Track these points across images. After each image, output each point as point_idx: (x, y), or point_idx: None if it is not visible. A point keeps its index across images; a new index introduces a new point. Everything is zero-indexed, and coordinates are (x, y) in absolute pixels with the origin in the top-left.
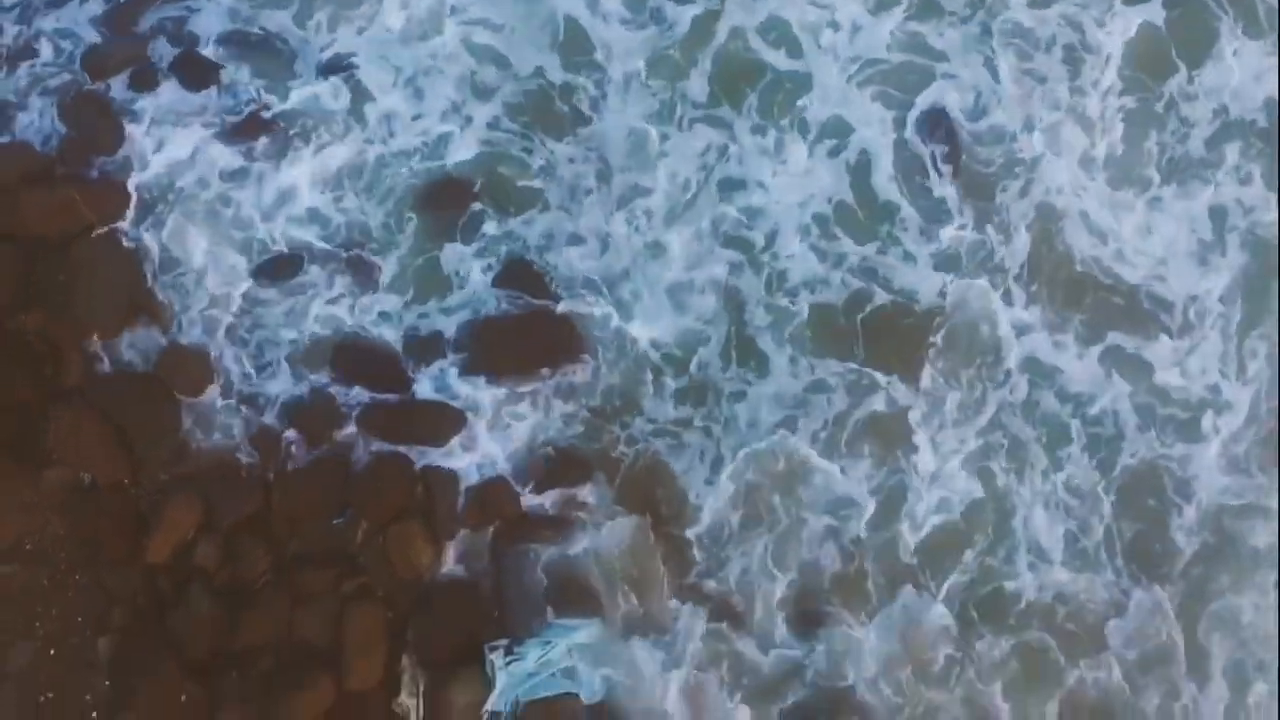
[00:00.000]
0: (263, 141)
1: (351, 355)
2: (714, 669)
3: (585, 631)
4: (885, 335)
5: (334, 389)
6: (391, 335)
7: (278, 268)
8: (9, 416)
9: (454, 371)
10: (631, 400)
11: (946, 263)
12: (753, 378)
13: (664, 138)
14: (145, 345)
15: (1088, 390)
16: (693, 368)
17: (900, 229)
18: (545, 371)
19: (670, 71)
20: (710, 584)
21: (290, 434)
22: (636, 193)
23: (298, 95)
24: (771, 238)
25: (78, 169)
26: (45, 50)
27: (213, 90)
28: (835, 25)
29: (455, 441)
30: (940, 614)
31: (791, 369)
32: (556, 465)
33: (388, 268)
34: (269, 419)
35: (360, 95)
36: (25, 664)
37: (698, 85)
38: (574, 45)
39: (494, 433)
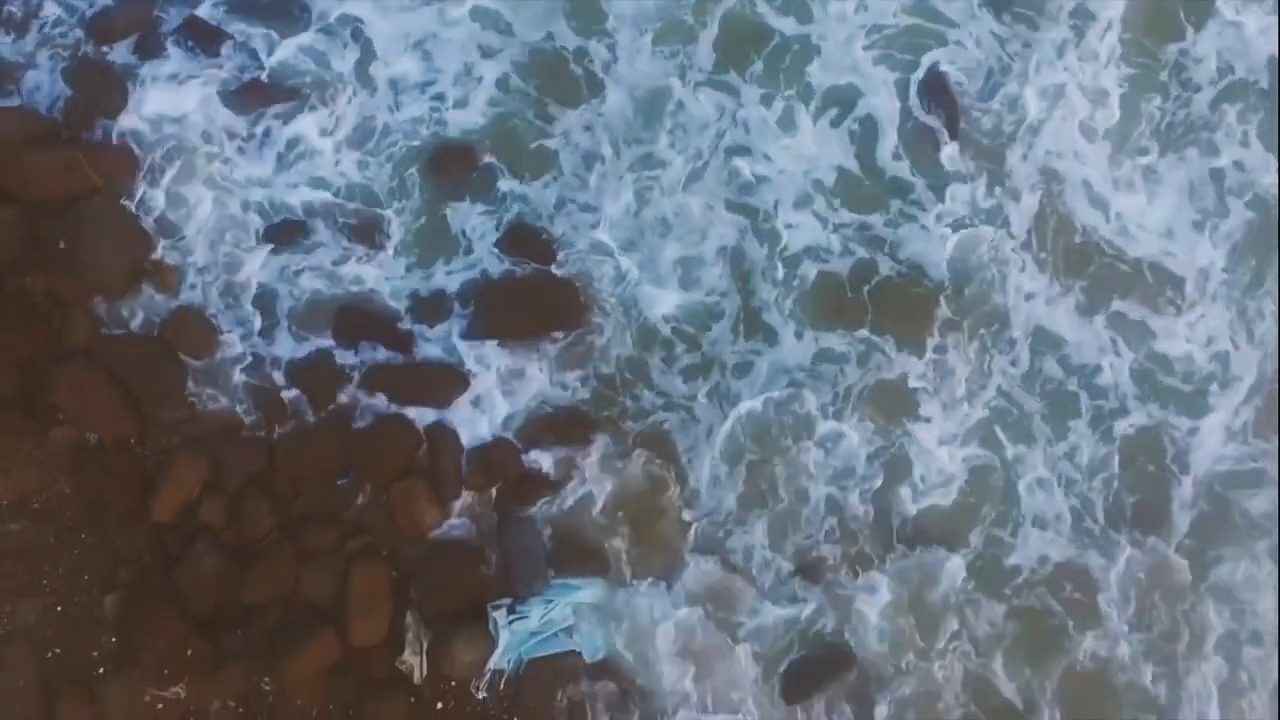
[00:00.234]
0: (269, 105)
1: (356, 317)
2: (716, 627)
3: (588, 591)
4: (891, 304)
5: (338, 350)
6: (397, 297)
7: (283, 230)
8: (16, 376)
9: (458, 334)
10: (636, 366)
11: (952, 230)
12: (760, 346)
13: (674, 106)
14: (151, 307)
15: (1092, 360)
16: (698, 335)
17: (906, 197)
18: (549, 335)
19: (681, 36)
20: (713, 544)
21: (295, 395)
22: (645, 161)
23: (305, 59)
24: (777, 207)
25: (83, 132)
26: (51, 14)
27: (219, 54)
28: None
29: (459, 403)
30: (941, 582)
31: (797, 338)
32: (560, 427)
33: (394, 230)
34: (274, 380)
35: (368, 58)
36: (33, 621)
37: (705, 51)
38: (584, 9)
39: (498, 395)
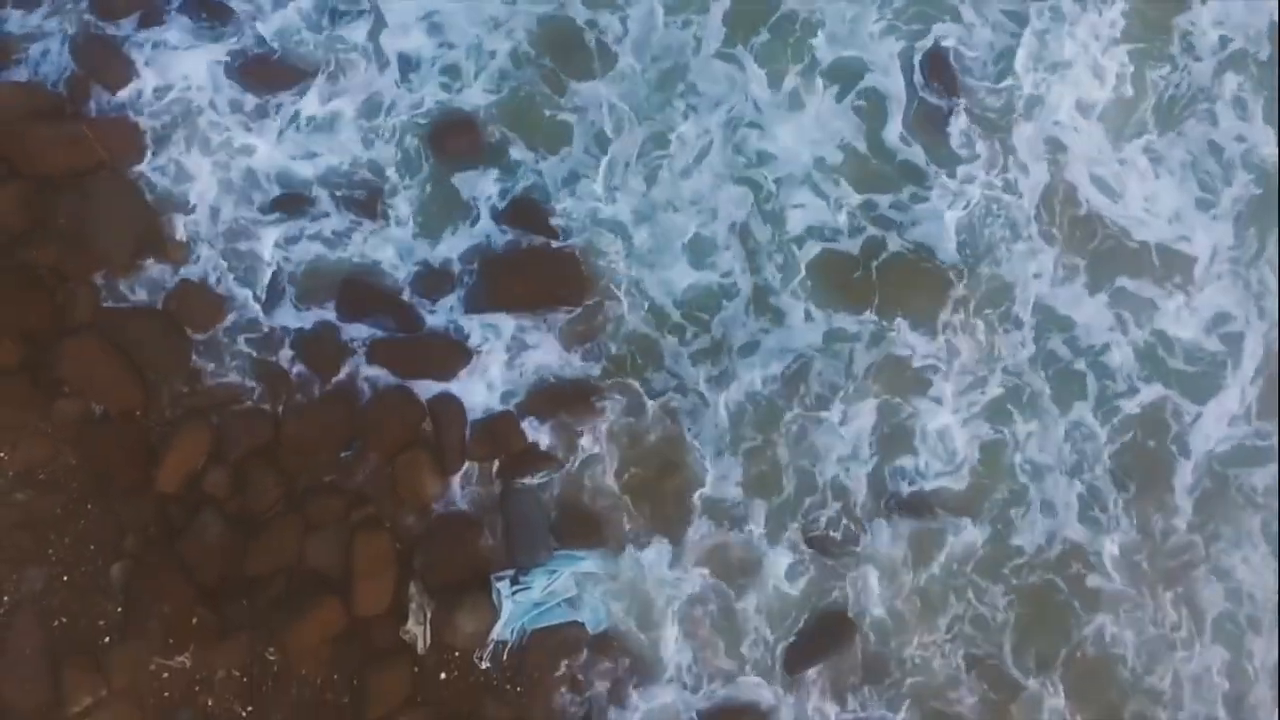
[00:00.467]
0: (275, 78)
1: (361, 290)
2: (719, 598)
3: (590, 562)
4: (898, 283)
5: (342, 323)
6: (401, 270)
7: (288, 203)
8: (22, 349)
9: (463, 307)
10: (644, 342)
11: (957, 208)
12: (768, 325)
13: (685, 85)
14: (155, 280)
15: (1099, 339)
16: (706, 312)
17: (911, 175)
18: (555, 309)
19: (695, 7)
20: (717, 516)
21: (299, 368)
22: (654, 138)
23: (312, 32)
24: (783, 185)
25: (88, 106)
26: None
27: (225, 27)
28: None
29: (463, 375)
30: (947, 558)
31: (805, 316)
32: (564, 400)
33: (400, 203)
34: (278, 353)
35: (378, 30)
36: (39, 590)
37: (715, 24)
38: None
39: (502, 368)
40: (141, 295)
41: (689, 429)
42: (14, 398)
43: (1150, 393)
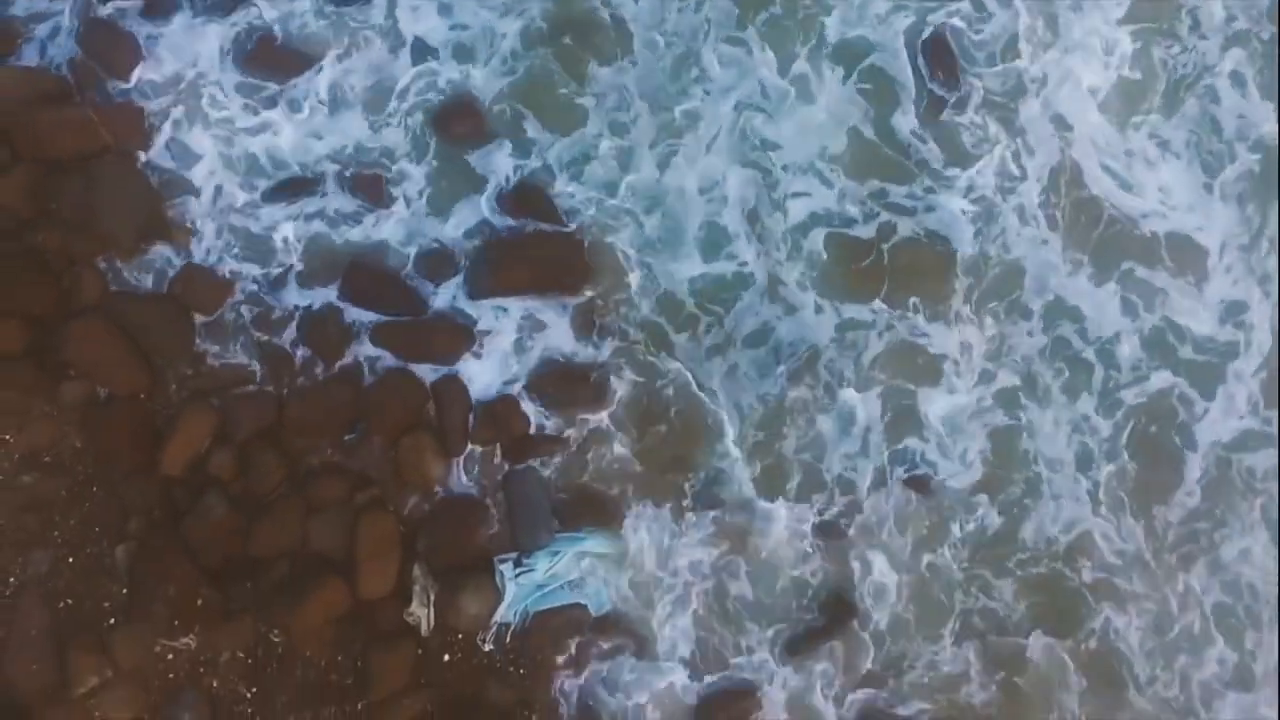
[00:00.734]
0: (282, 61)
1: (365, 273)
2: (722, 580)
3: (594, 544)
4: (908, 271)
5: (347, 306)
6: (406, 252)
7: (294, 186)
8: (28, 332)
9: (467, 290)
10: (652, 327)
11: (965, 195)
12: (779, 313)
13: (698, 70)
14: (161, 264)
15: (1108, 328)
16: (711, 300)
17: (919, 161)
18: (561, 294)
19: None
20: (722, 500)
21: (303, 350)
22: (664, 125)
23: (318, 15)
24: (790, 171)
25: (94, 91)
26: None
27: (232, 11)
28: None
29: (466, 358)
30: (952, 549)
31: (816, 306)
32: (569, 383)
33: (405, 186)
34: (282, 336)
35: (387, 12)
36: (45, 571)
37: (724, 6)
38: None
39: (506, 351)
40: (147, 279)
41: (694, 413)
42: (20, 381)
43: (1159, 378)
